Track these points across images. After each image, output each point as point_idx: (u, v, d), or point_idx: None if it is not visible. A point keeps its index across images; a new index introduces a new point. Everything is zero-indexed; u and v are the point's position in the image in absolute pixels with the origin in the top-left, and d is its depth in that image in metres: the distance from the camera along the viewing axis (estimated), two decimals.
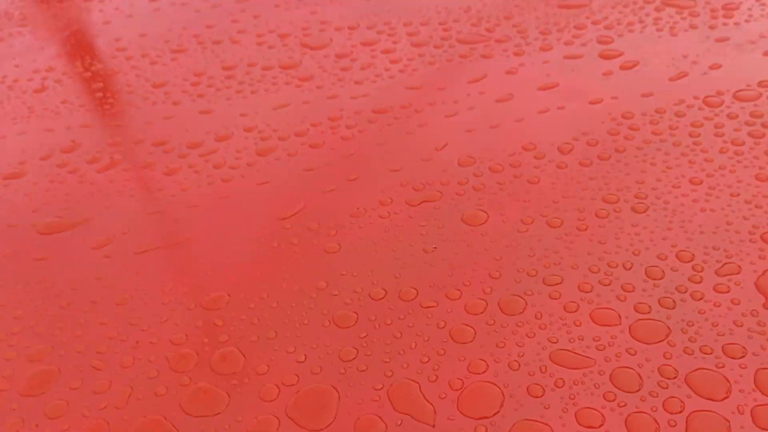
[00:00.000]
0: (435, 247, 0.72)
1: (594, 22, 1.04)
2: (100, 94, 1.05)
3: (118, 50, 1.15)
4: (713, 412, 0.54)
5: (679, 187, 0.75)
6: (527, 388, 0.58)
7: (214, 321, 0.68)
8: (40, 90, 1.08)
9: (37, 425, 0.62)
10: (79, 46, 1.18)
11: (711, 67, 0.92)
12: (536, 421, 0.56)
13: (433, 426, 0.57)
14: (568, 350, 0.61)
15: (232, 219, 0.80)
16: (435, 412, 0.58)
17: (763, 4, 1.02)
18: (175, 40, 1.16)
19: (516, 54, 1.00)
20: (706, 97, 0.87)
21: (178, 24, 1.20)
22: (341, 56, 1.05)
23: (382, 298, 0.68)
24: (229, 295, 0.71)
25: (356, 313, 0.67)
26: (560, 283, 0.67)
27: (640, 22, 1.03)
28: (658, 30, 1.01)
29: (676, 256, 0.67)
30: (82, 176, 0.90)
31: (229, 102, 0.99)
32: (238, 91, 1.01)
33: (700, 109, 0.85)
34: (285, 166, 0.86)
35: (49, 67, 1.13)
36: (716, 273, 0.65)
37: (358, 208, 0.78)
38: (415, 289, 0.68)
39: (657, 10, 1.05)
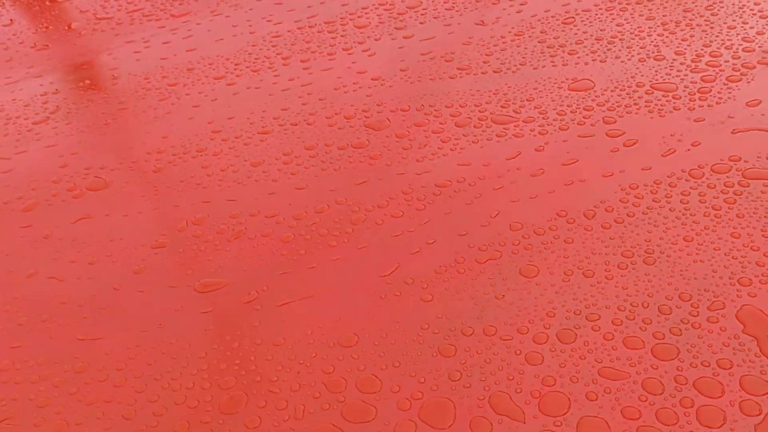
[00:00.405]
0: (503, 295, 0.99)
1: (599, 104, 1.32)
2: (211, 173, 1.30)
3: (213, 132, 1.41)
4: (714, 406, 0.82)
5: (677, 243, 1.03)
6: (585, 395, 0.85)
7: (351, 355, 0.95)
8: (157, 170, 1.34)
9: None
10: (179, 129, 1.43)
11: (693, 144, 1.20)
12: (594, 416, 0.83)
13: (524, 422, 0.84)
14: (610, 367, 0.88)
15: (344, 277, 1.07)
16: (524, 413, 0.85)
17: (729, 90, 1.31)
18: (258, 122, 1.42)
19: (541, 133, 1.28)
20: (690, 170, 1.15)
21: (258, 107, 1.46)
22: (400, 137, 1.32)
23: (471, 334, 0.95)
24: (357, 336, 0.97)
25: (454, 346, 0.94)
26: (599, 319, 0.94)
27: (635, 104, 1.31)
28: (649, 111, 1.29)
29: (679, 297, 0.95)
30: (216, 244, 1.15)
31: (318, 179, 1.26)
32: (322, 169, 1.28)
33: (687, 180, 1.13)
34: (375, 233, 1.13)
35: (159, 149, 1.39)
36: (708, 308, 0.93)
37: (440, 266, 1.05)
38: (494, 327, 0.95)
39: (647, 93, 1.34)
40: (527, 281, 1.01)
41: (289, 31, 1.72)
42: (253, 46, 1.69)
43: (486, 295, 1.00)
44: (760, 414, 0.81)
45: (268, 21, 1.78)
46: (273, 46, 1.67)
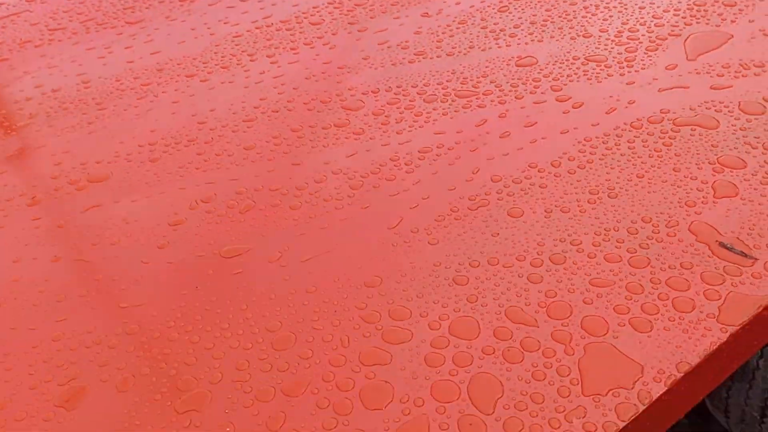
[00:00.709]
0: (498, 233, 1.17)
1: (545, 76, 1.52)
2: (207, 158, 1.41)
3: (199, 123, 1.51)
4: (684, 297, 1.02)
5: (631, 180, 1.23)
6: (582, 300, 1.04)
7: (379, 293, 1.09)
8: (154, 160, 1.43)
9: (289, 365, 1.00)
10: (164, 123, 1.53)
11: (629, 103, 1.42)
12: (593, 315, 1.01)
13: (538, 327, 1.01)
14: (598, 278, 1.07)
15: (355, 233, 1.21)
16: (536, 320, 1.02)
17: (650, 57, 1.54)
18: (240, 112, 1.54)
19: (500, 103, 1.46)
20: (631, 123, 1.36)
21: (237, 99, 1.58)
22: (377, 114, 1.48)
23: (478, 265, 1.11)
24: (379, 277, 1.12)
25: (466, 276, 1.10)
26: (581, 243, 1.13)
27: (575, 74, 1.52)
28: (588, 79, 1.50)
29: (641, 220, 1.15)
30: (230, 217, 1.27)
31: (310, 155, 1.39)
32: (313, 147, 1.41)
33: (630, 131, 1.34)
34: (375, 195, 1.28)
35: (150, 141, 1.48)
36: (666, 226, 1.13)
37: (439, 215, 1.21)
38: (496, 258, 1.12)
39: (583, 64, 1.55)
40: (515, 220, 1.19)
41: (248, 31, 1.84)
42: (216, 46, 1.80)
43: (483, 235, 1.17)
44: (720, 298, 1.02)
45: (225, 23, 1.89)
46: (236, 45, 1.79)
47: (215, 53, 1.77)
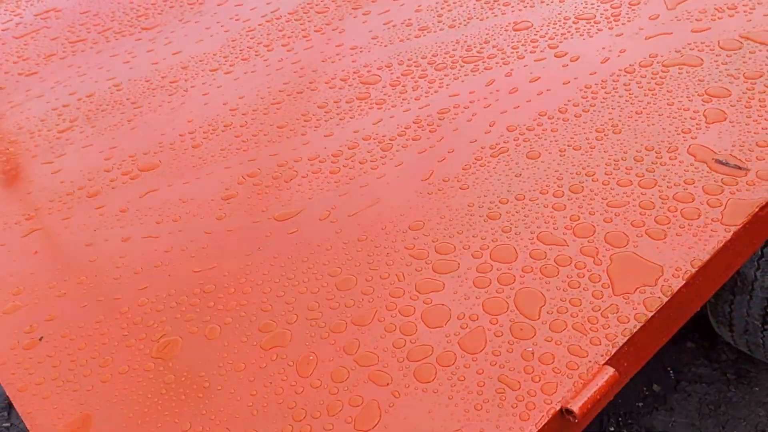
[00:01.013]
0: (520, 174, 1.31)
1: (541, 36, 1.67)
2: (246, 139, 1.55)
3: (231, 110, 1.65)
4: (691, 206, 1.17)
5: (632, 117, 1.38)
6: (603, 220, 1.18)
7: (423, 234, 1.24)
8: (196, 146, 1.57)
9: (355, 301, 1.14)
10: (199, 113, 1.67)
11: (620, 52, 1.56)
12: (613, 231, 1.16)
13: (568, 245, 1.16)
14: (614, 200, 1.21)
15: (393, 187, 1.35)
16: (565, 240, 1.17)
17: (633, 11, 1.69)
18: (267, 96, 1.68)
19: (505, 63, 1.61)
20: (625, 68, 1.51)
21: (262, 85, 1.72)
22: (394, 85, 1.62)
23: (507, 202, 1.26)
24: (422, 222, 1.26)
25: (498, 212, 1.25)
26: (594, 174, 1.27)
27: (568, 32, 1.67)
28: (581, 35, 1.65)
29: (645, 149, 1.30)
30: (277, 187, 1.41)
31: (340, 126, 1.53)
32: (341, 119, 1.55)
33: (624, 75, 1.49)
34: (406, 153, 1.42)
35: (189, 130, 1.62)
36: (667, 151, 1.28)
37: (465, 165, 1.36)
38: (522, 194, 1.27)
39: (574, 23, 1.69)
40: (534, 161, 1.33)
41: (260, 25, 1.97)
42: (233, 41, 1.93)
43: (507, 176, 1.31)
44: (721, 205, 1.17)
45: (236, 20, 2.03)
46: (251, 38, 1.92)
47: (233, 48, 1.90)
